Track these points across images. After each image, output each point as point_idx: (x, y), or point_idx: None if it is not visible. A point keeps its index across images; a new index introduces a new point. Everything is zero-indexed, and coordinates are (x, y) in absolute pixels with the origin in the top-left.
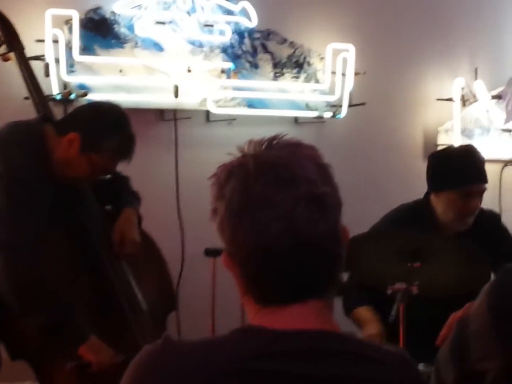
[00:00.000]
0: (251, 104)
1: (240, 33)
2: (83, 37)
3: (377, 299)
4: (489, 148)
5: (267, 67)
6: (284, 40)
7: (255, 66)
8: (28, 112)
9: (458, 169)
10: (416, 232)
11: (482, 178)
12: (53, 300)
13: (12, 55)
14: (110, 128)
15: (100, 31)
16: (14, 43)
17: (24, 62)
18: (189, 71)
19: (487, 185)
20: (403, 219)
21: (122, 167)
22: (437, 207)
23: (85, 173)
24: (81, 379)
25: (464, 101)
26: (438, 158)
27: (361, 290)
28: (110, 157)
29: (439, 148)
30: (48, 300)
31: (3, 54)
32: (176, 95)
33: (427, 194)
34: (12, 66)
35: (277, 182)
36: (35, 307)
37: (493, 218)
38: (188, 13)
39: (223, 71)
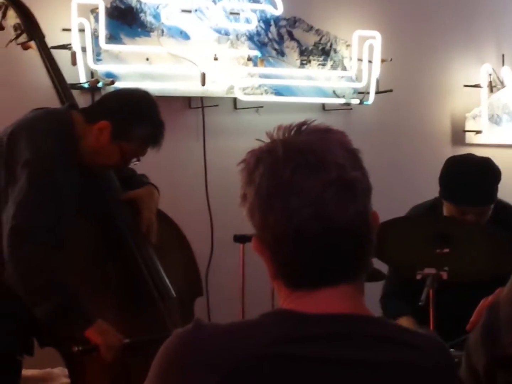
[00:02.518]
0: (278, 91)
1: (266, 21)
2: (109, 25)
3: (407, 284)
4: None
5: (293, 54)
6: (310, 28)
7: (281, 53)
8: (56, 101)
9: (456, 185)
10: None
11: (476, 201)
12: (58, 286)
13: (32, 43)
14: (140, 116)
15: (126, 20)
16: (33, 31)
17: (44, 50)
18: (215, 59)
19: (491, 206)
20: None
21: (150, 155)
22: None
23: (116, 161)
24: (88, 363)
25: (492, 87)
26: (448, 165)
27: (401, 297)
28: (141, 145)
29: (467, 134)
30: (53, 286)
31: (23, 43)
32: (203, 83)
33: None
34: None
35: (306, 167)
36: (41, 294)
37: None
38: (214, 1)
39: (249, 59)
